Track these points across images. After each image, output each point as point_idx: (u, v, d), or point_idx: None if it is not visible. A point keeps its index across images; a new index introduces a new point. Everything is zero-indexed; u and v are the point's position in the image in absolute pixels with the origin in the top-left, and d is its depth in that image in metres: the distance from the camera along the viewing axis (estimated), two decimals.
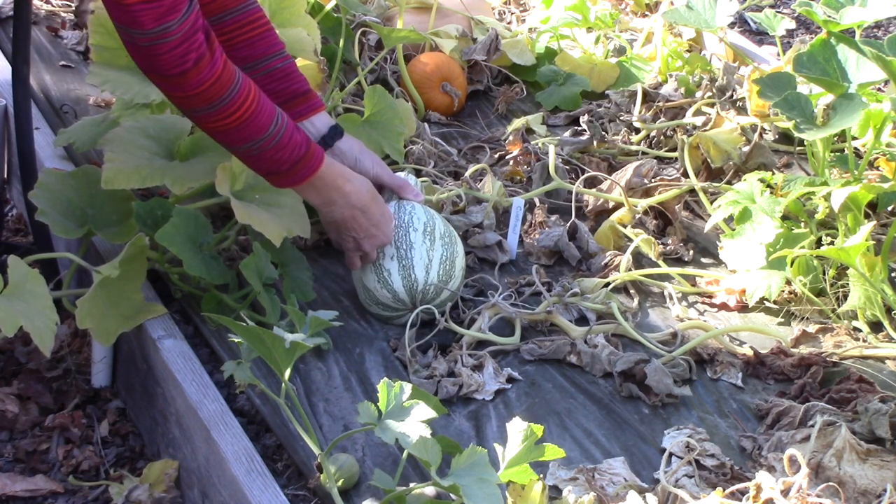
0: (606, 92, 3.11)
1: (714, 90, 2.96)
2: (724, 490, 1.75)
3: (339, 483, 1.81)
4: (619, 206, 2.54)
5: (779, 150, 2.86)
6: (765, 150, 2.70)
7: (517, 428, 1.74)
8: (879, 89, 2.95)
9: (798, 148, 2.84)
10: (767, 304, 2.33)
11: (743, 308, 2.35)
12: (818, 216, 2.41)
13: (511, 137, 2.81)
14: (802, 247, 2.30)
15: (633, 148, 2.85)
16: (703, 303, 2.38)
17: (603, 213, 2.58)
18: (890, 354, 2.19)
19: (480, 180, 2.64)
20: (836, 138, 2.61)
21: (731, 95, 2.95)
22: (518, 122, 2.85)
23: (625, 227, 2.49)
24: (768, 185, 2.41)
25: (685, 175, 2.66)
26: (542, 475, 1.76)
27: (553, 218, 2.55)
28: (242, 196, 2.18)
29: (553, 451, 1.75)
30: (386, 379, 1.72)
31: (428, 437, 1.65)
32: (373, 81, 3.03)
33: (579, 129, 2.93)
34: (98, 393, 2.34)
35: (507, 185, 2.67)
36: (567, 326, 2.22)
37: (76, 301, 2.07)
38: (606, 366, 2.13)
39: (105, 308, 2.12)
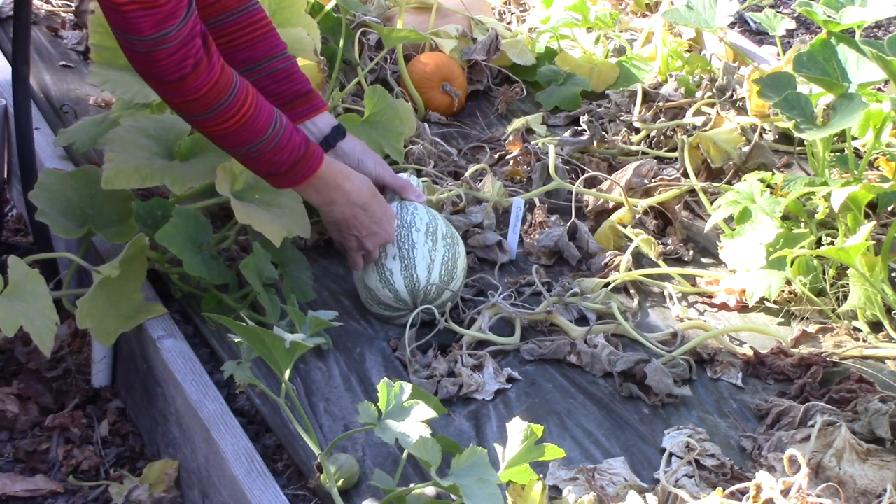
0: (606, 92, 3.11)
1: (714, 90, 2.96)
2: (724, 490, 1.75)
3: (339, 483, 1.81)
4: (619, 206, 2.54)
5: (779, 150, 2.86)
6: (765, 150, 2.70)
7: (517, 428, 1.74)
8: (879, 89, 2.95)
9: (798, 148, 2.84)
10: (767, 304, 2.33)
11: (743, 308, 2.35)
12: (818, 216, 2.41)
13: (511, 137, 2.81)
14: (802, 247, 2.30)
15: (633, 148, 2.85)
16: (703, 303, 2.38)
17: (603, 213, 2.58)
18: (890, 354, 2.19)
19: (480, 180, 2.64)
20: (836, 138, 2.61)
21: (731, 95, 2.95)
22: (518, 122, 2.85)
23: (625, 227, 2.49)
24: (768, 185, 2.41)
25: (685, 175, 2.66)
26: (542, 475, 1.76)
27: (553, 218, 2.55)
28: (242, 196, 2.18)
29: (553, 451, 1.75)
30: (386, 379, 1.72)
31: (428, 437, 1.65)
32: (373, 81, 3.03)
33: (579, 129, 2.93)
34: (98, 393, 2.34)
35: (507, 185, 2.67)
36: (567, 326, 2.22)
37: (76, 301, 2.07)
38: (606, 366, 2.13)
39: (105, 308, 2.12)
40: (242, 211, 2.10)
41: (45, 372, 2.36)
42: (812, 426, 1.90)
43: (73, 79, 3.07)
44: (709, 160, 2.68)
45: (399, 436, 1.65)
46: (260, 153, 2.01)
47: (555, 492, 1.81)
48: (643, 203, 2.54)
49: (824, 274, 2.33)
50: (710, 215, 2.46)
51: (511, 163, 2.75)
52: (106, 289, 2.09)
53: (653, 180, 2.60)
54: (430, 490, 1.74)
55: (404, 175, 2.40)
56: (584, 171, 2.66)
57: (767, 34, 3.93)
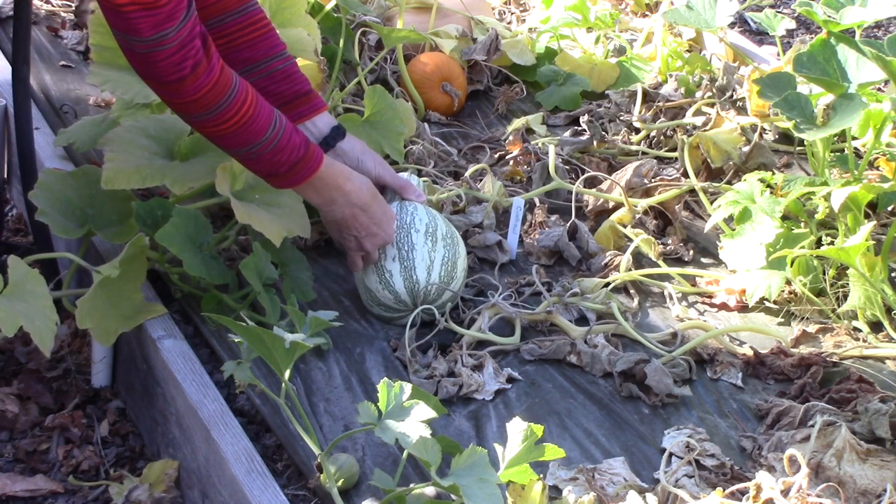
0: (606, 92, 3.11)
1: (714, 90, 2.96)
2: (724, 490, 1.75)
3: (339, 483, 1.81)
4: (619, 206, 2.54)
5: (779, 150, 2.86)
6: (765, 150, 2.70)
7: (517, 428, 1.74)
8: (879, 89, 2.95)
9: (798, 148, 2.84)
10: (767, 304, 2.33)
11: (743, 308, 2.35)
12: (818, 216, 2.41)
13: (511, 137, 2.81)
14: (802, 247, 2.30)
15: (633, 148, 2.85)
16: (703, 303, 2.38)
17: (603, 213, 2.58)
18: (890, 354, 2.19)
19: (480, 180, 2.64)
20: (836, 138, 2.61)
21: (731, 95, 2.95)
22: (518, 122, 2.85)
23: (625, 227, 2.49)
24: (768, 185, 2.41)
25: (685, 175, 2.66)
26: (542, 475, 1.76)
27: (553, 218, 2.55)
28: (242, 196, 2.18)
29: (553, 451, 1.75)
30: (386, 379, 1.72)
31: (428, 437, 1.65)
32: (373, 81, 3.03)
33: (579, 129, 2.93)
34: (98, 393, 2.34)
35: (507, 185, 2.67)
36: (567, 326, 2.22)
37: (76, 301, 2.07)
38: (606, 366, 2.13)
39: (105, 308, 2.12)
40: (242, 211, 2.10)
41: (45, 372, 2.36)
42: (812, 426, 1.90)
43: (73, 79, 3.07)
44: (709, 160, 2.68)
45: (399, 436, 1.65)
46: (260, 154, 2.01)
47: (555, 492, 1.81)
48: (643, 203, 2.54)
49: (824, 274, 2.33)
50: (710, 215, 2.46)
51: (511, 163, 2.75)
52: (106, 289, 2.09)
53: (653, 180, 2.60)
54: (430, 490, 1.74)
55: (404, 175, 2.40)
56: (584, 171, 2.66)
57: (767, 34, 3.93)
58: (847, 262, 2.15)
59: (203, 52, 1.87)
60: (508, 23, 3.63)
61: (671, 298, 2.35)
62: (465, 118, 3.08)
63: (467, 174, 2.65)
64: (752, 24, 4.24)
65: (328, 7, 2.97)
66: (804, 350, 2.19)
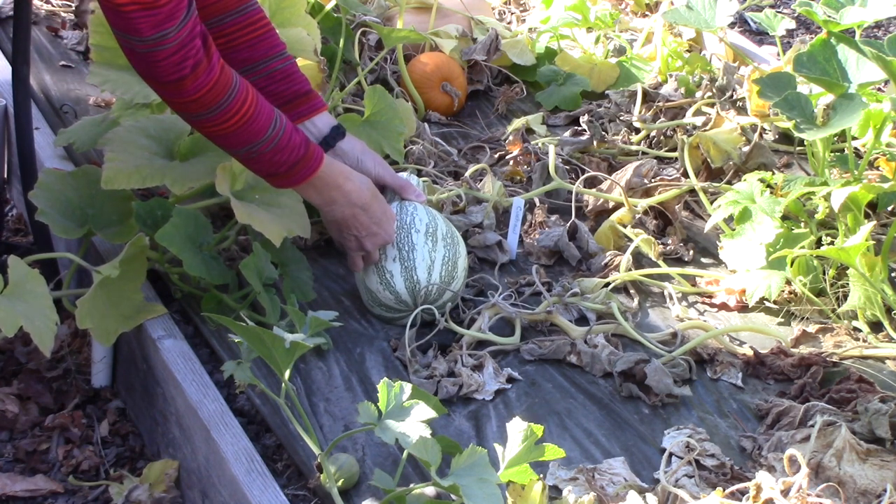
0: (606, 92, 3.11)
1: (714, 90, 2.96)
2: (724, 490, 1.75)
3: (339, 483, 1.81)
4: (619, 206, 2.54)
5: (779, 150, 2.86)
6: (765, 150, 2.70)
7: (517, 428, 1.74)
8: (879, 89, 2.95)
9: (798, 148, 2.84)
10: (767, 304, 2.33)
11: (743, 308, 2.35)
12: (818, 216, 2.41)
13: (511, 137, 2.81)
14: (802, 247, 2.30)
15: (633, 148, 2.85)
16: (703, 303, 2.38)
17: (603, 213, 2.58)
18: (890, 354, 2.19)
19: (480, 180, 2.64)
20: (836, 138, 2.61)
21: (731, 95, 2.95)
22: (518, 122, 2.85)
23: (625, 227, 2.49)
24: (768, 185, 2.41)
25: (685, 175, 2.66)
26: (542, 475, 1.76)
27: (553, 218, 2.55)
28: (242, 196, 2.18)
29: (553, 451, 1.75)
30: (386, 379, 1.72)
31: (428, 437, 1.65)
32: (373, 81, 3.03)
33: (579, 129, 2.93)
34: (98, 393, 2.34)
35: (507, 185, 2.67)
36: (567, 326, 2.22)
37: (76, 301, 2.07)
38: (606, 366, 2.13)
39: (105, 308, 2.12)
40: (242, 211, 2.10)
41: (45, 372, 2.36)
42: (812, 426, 1.90)
43: (73, 79, 3.07)
44: (709, 160, 2.68)
45: (399, 436, 1.65)
46: (260, 153, 2.01)
47: (555, 492, 1.81)
48: (643, 203, 2.54)
49: (824, 274, 2.33)
50: (710, 215, 2.46)
51: (511, 163, 2.75)
52: (106, 289, 2.09)
53: (653, 180, 2.60)
54: (430, 490, 1.74)
55: (404, 175, 2.40)
56: (584, 171, 2.66)
57: (767, 34, 3.93)
58: (847, 262, 2.15)
59: (203, 52, 1.88)
60: (508, 23, 3.63)
61: (671, 298, 2.35)
62: (465, 118, 3.08)
63: (467, 174, 2.65)
64: (752, 24, 4.24)
65: (328, 7, 2.97)
66: (804, 350, 2.19)
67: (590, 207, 2.59)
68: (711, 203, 2.51)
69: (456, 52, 3.12)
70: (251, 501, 1.79)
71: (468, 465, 1.67)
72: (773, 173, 2.47)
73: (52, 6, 3.51)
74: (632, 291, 2.38)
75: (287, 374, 1.80)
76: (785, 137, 2.92)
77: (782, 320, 2.32)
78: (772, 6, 3.97)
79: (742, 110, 2.94)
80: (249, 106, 1.96)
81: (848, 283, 2.26)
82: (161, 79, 1.88)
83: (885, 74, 2.24)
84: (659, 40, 3.22)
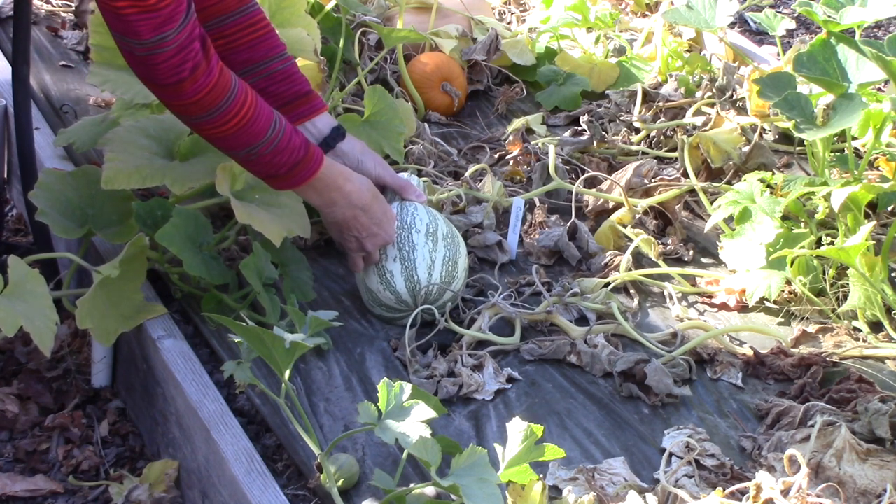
0: (606, 92, 3.11)
1: (714, 90, 2.96)
2: (724, 490, 1.75)
3: (339, 483, 1.81)
4: (619, 206, 2.54)
5: (779, 150, 2.86)
6: (765, 150, 2.70)
7: (517, 428, 1.74)
8: (879, 89, 2.95)
9: (798, 148, 2.84)
10: (767, 304, 2.33)
11: (743, 308, 2.35)
12: (818, 216, 2.41)
13: (511, 137, 2.81)
14: (802, 247, 2.30)
15: (633, 148, 2.85)
16: (703, 303, 2.38)
17: (603, 213, 2.58)
18: (890, 354, 2.19)
19: (480, 180, 2.64)
20: (836, 138, 2.61)
21: (731, 95, 2.95)
22: (518, 122, 2.85)
23: (625, 227, 2.49)
24: (768, 185, 2.41)
25: (685, 175, 2.66)
26: (542, 475, 1.76)
27: (553, 218, 2.55)
28: (242, 196, 2.18)
29: (553, 451, 1.75)
30: (386, 379, 1.72)
31: (428, 437, 1.65)
32: (373, 81, 3.03)
33: (579, 129, 2.93)
34: (98, 393, 2.34)
35: (507, 185, 2.67)
36: (567, 326, 2.22)
37: (76, 301, 2.07)
38: (606, 366, 2.13)
39: (105, 308, 2.12)
40: (242, 211, 2.10)
41: (45, 372, 2.36)
42: (812, 426, 1.90)
43: (73, 79, 3.07)
44: (709, 160, 2.68)
45: (399, 436, 1.65)
46: (259, 155, 2.01)
47: (555, 492, 1.81)
48: (643, 203, 2.54)
49: (824, 274, 2.33)
50: (710, 215, 2.46)
51: (511, 163, 2.75)
52: (106, 289, 2.09)
53: (653, 180, 2.60)
54: (430, 490, 1.74)
55: (404, 175, 2.40)
56: (584, 171, 2.66)
57: (767, 34, 3.93)
58: (847, 262, 2.15)
59: (202, 54, 1.88)
60: (508, 23, 3.63)
61: (671, 298, 2.35)
62: (465, 118, 3.08)
63: (467, 174, 2.65)
64: (752, 24, 4.24)
65: (328, 7, 2.97)
66: (804, 350, 2.19)
67: (590, 207, 2.59)
68: (711, 203, 2.51)
69: (456, 52, 3.12)
70: (251, 501, 1.79)
71: (468, 465, 1.67)
72: (773, 173, 2.47)
73: (52, 6, 3.51)
74: (632, 291, 2.38)
75: (287, 374, 1.80)
76: (785, 137, 2.92)
77: (782, 320, 2.32)
78: (772, 6, 3.97)
79: (742, 110, 2.94)
80: (248, 108, 1.96)
81: (848, 283, 2.26)
82: (160, 81, 1.88)
83: (885, 74, 2.24)
84: (659, 40, 3.22)
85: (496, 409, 2.04)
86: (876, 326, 2.27)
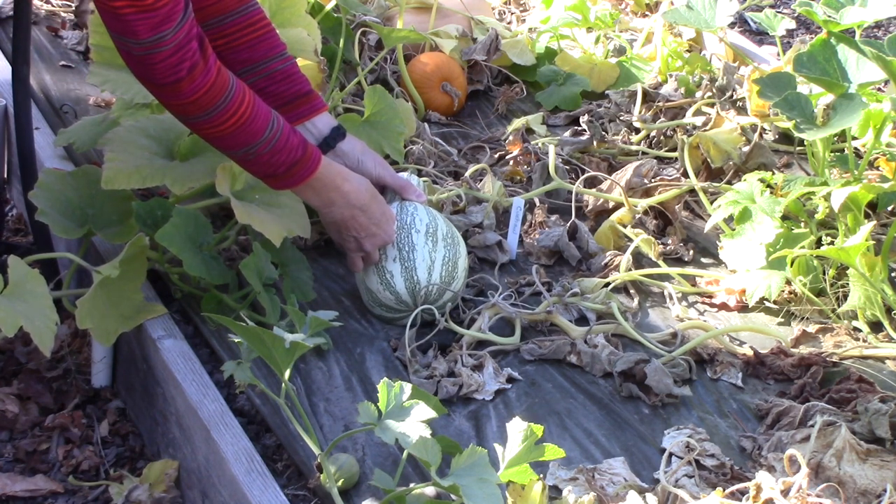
0: (606, 92, 3.11)
1: (714, 90, 2.96)
2: (724, 490, 1.75)
3: (339, 483, 1.81)
4: (619, 206, 2.54)
5: (779, 150, 2.86)
6: (765, 150, 2.70)
7: (517, 428, 1.74)
8: (879, 89, 2.95)
9: (798, 148, 2.84)
10: (767, 304, 2.33)
11: (743, 308, 2.35)
12: (818, 216, 2.41)
13: (511, 137, 2.81)
14: (802, 247, 2.30)
15: (633, 148, 2.85)
16: (703, 303, 2.38)
17: (603, 213, 2.58)
18: (890, 354, 2.19)
19: (480, 180, 2.64)
20: (836, 138, 2.61)
21: (731, 95, 2.95)
22: (518, 122, 2.85)
23: (625, 227, 2.49)
24: (768, 185, 2.41)
25: (685, 175, 2.66)
26: (542, 475, 1.76)
27: (553, 218, 2.55)
28: (242, 196, 2.18)
29: (553, 451, 1.75)
30: (386, 379, 1.72)
31: (428, 437, 1.65)
32: (373, 81, 3.03)
33: (579, 129, 2.93)
34: (98, 393, 2.34)
35: (507, 185, 2.67)
36: (567, 326, 2.22)
37: (76, 301, 2.07)
38: (606, 366, 2.13)
39: (105, 308, 2.12)
40: (242, 211, 2.10)
41: (45, 372, 2.36)
42: (812, 426, 1.90)
43: (73, 79, 3.07)
44: (709, 160, 2.68)
45: (399, 436, 1.65)
46: (257, 155, 2.01)
47: (555, 492, 1.81)
48: (643, 203, 2.54)
49: (824, 274, 2.33)
50: (710, 215, 2.46)
51: (511, 163, 2.75)
52: (106, 289, 2.09)
53: (653, 180, 2.60)
54: (430, 490, 1.74)
55: (404, 175, 2.40)
56: (584, 171, 2.66)
57: (767, 34, 3.93)
58: (847, 262, 2.15)
59: (200, 54, 1.88)
60: (508, 23, 3.63)
61: (671, 298, 2.35)
62: (465, 118, 3.08)
63: (467, 174, 2.65)
64: (752, 24, 4.24)
65: (328, 7, 2.97)
66: (804, 350, 2.19)
67: (590, 207, 2.59)
68: (711, 203, 2.51)
69: (456, 52, 3.12)
70: (251, 501, 1.79)
71: (468, 465, 1.67)
72: (773, 173, 2.47)
73: (52, 6, 3.51)
74: (632, 291, 2.38)
75: (287, 374, 1.80)
76: (785, 137, 2.92)
77: (782, 320, 2.32)
78: (772, 6, 3.97)
79: (742, 110, 2.94)
80: (246, 108, 1.96)
81: (848, 283, 2.26)
82: (158, 81, 1.88)
83: (885, 74, 2.24)
84: (659, 40, 3.22)
85: (496, 409, 2.04)
86: (876, 326, 2.27)
